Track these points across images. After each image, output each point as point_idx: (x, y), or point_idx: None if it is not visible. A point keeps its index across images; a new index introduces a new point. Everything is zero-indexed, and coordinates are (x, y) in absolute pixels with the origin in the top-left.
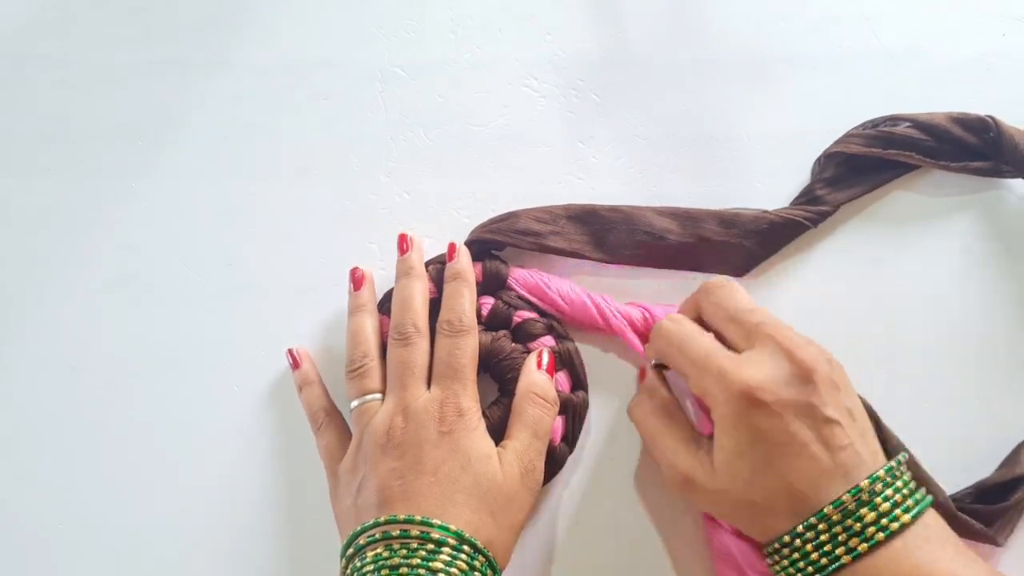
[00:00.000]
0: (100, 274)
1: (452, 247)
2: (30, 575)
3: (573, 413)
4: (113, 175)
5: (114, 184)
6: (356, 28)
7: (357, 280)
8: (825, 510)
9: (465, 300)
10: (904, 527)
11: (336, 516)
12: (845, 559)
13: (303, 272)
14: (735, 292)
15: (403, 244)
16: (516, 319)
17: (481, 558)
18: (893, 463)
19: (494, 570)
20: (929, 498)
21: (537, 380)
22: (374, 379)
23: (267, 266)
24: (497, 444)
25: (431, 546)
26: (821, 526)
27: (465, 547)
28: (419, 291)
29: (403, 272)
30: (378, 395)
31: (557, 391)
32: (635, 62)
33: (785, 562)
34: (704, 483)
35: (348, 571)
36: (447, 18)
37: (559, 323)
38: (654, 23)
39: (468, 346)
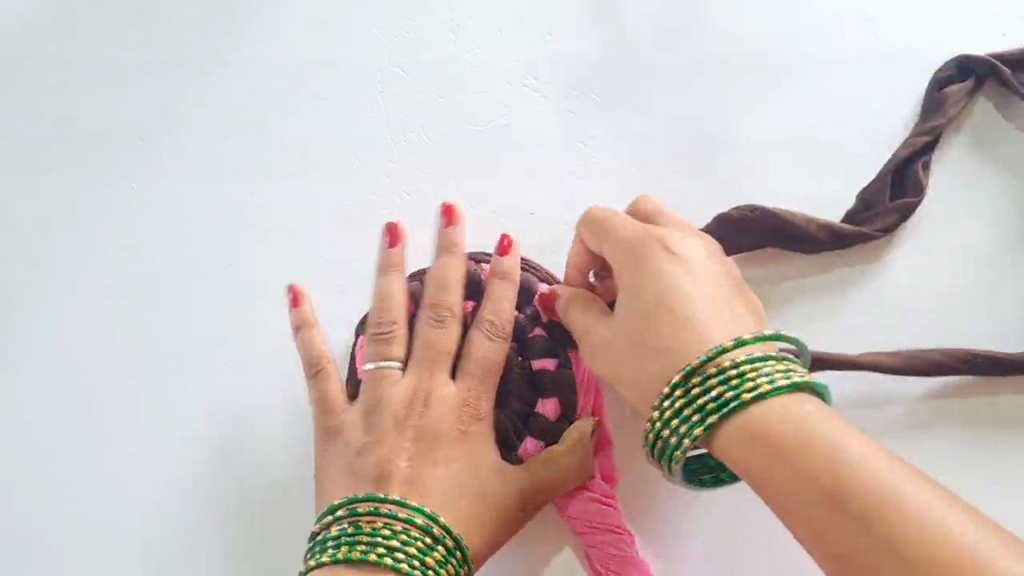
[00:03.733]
0: (101, 274)
1: (506, 240)
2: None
3: (550, 443)
4: (113, 175)
5: (114, 184)
6: (356, 28)
7: (393, 236)
8: (709, 354)
9: (510, 305)
10: (796, 385)
11: (320, 468)
12: (698, 430)
13: (304, 272)
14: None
15: (449, 216)
16: (528, 335)
17: (466, 568)
18: (768, 332)
19: None
20: (821, 383)
21: (586, 445)
22: (399, 347)
23: (268, 266)
24: None
25: (429, 540)
26: (709, 369)
27: (458, 553)
28: (459, 271)
29: (446, 247)
30: (398, 364)
31: (541, 414)
32: (635, 62)
33: (668, 414)
34: (603, 332)
35: (334, 531)
36: (447, 18)
37: (564, 350)
38: (654, 23)
39: (502, 353)
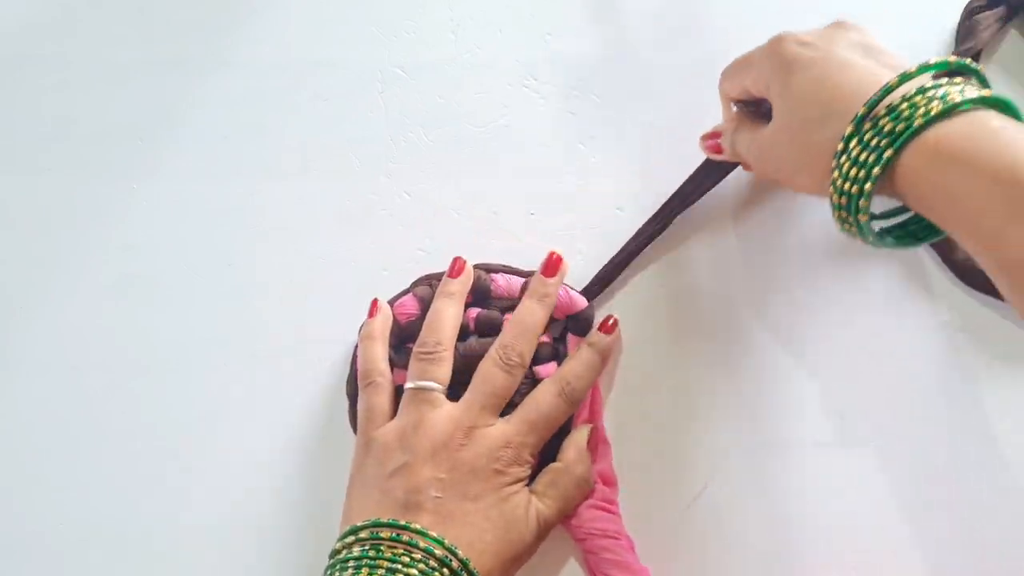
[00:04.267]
0: (101, 274)
1: (611, 320)
2: None
3: (549, 451)
4: (113, 175)
5: (114, 184)
6: (356, 28)
7: (457, 269)
8: (860, 112)
9: (591, 375)
10: (973, 101)
11: (352, 477)
12: (877, 170)
13: (303, 272)
14: None
15: (551, 268)
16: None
17: None
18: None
19: None
20: (1007, 98)
21: (585, 460)
22: (442, 369)
23: (268, 266)
24: None
25: (447, 571)
26: (880, 111)
27: None
28: (542, 320)
29: (537, 294)
30: (439, 387)
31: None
32: (635, 62)
33: (846, 167)
34: (765, 134)
35: (354, 550)
36: (447, 18)
37: (565, 353)
38: (654, 23)
39: (564, 416)
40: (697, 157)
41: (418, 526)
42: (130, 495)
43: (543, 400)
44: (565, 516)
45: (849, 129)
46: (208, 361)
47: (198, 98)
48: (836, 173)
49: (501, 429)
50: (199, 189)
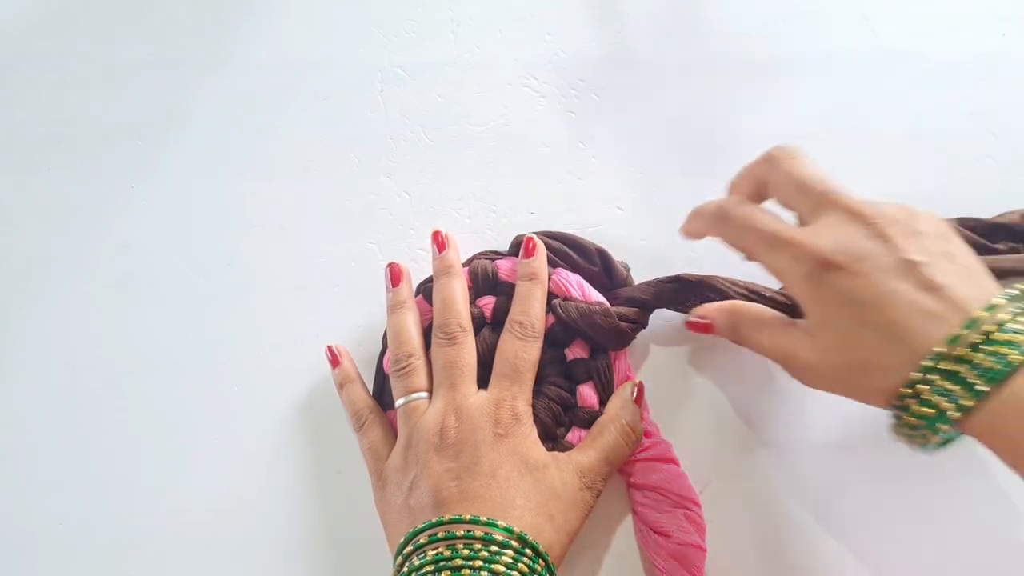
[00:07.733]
0: (100, 274)
1: (531, 243)
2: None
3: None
4: (113, 175)
5: (114, 184)
6: (356, 28)
7: (395, 276)
8: (939, 349)
9: (538, 304)
10: None
11: (382, 515)
12: (969, 402)
13: (303, 272)
14: (806, 163)
15: (440, 242)
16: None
17: (541, 562)
18: (1015, 290)
19: (552, 573)
20: None
21: (630, 409)
22: (420, 377)
23: (267, 266)
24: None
25: (494, 547)
26: (941, 365)
27: (528, 550)
28: (460, 290)
29: (442, 271)
30: (424, 394)
31: (584, 406)
32: (635, 62)
33: (907, 418)
34: (806, 358)
35: (405, 569)
36: (447, 18)
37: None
38: (654, 23)
39: (534, 352)
40: (695, 158)
41: (449, 516)
42: (130, 495)
43: (507, 351)
44: (618, 467)
45: (939, 348)
46: (207, 360)
47: (198, 98)
48: (914, 402)
49: (481, 398)
50: (199, 189)
